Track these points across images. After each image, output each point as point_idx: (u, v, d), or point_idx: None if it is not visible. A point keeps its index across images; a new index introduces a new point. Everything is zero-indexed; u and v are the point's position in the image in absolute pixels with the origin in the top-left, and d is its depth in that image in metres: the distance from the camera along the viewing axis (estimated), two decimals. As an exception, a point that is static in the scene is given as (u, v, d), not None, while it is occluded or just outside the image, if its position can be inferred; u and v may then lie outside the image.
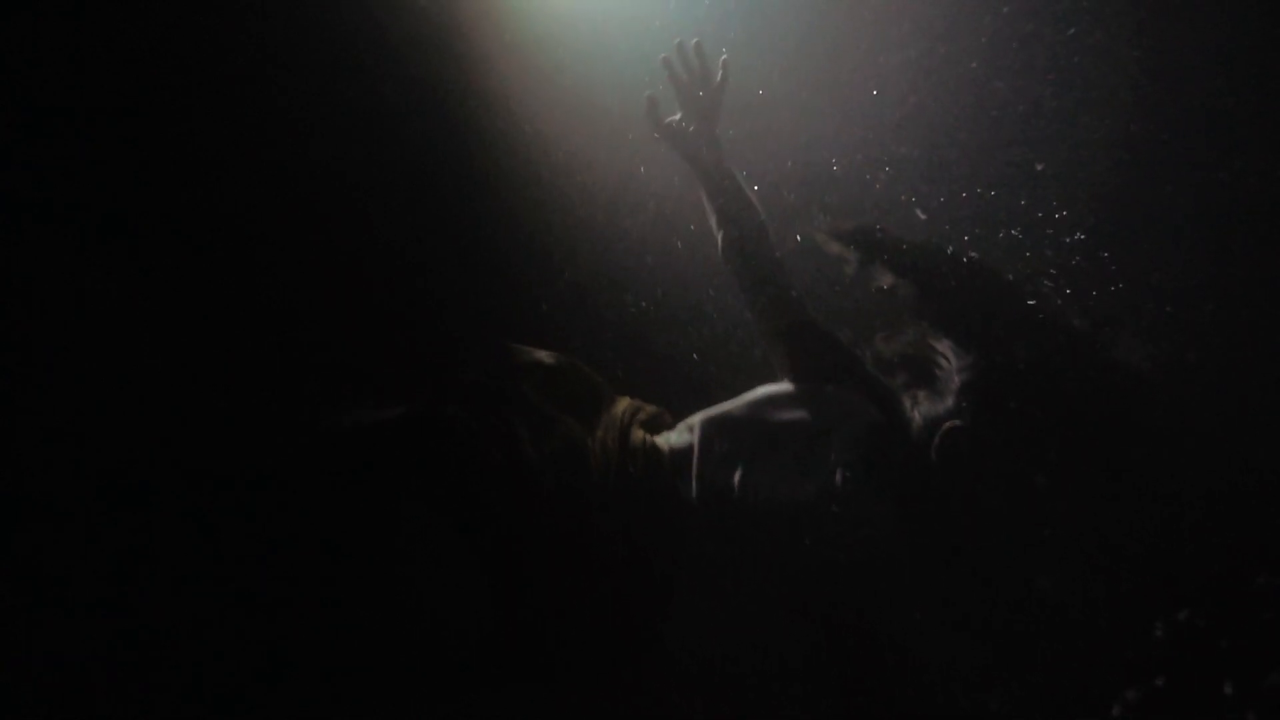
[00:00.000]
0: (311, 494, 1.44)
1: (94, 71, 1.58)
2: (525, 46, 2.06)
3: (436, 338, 1.73)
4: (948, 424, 1.43)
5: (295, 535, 1.41)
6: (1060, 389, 1.43)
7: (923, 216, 2.22)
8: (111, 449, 1.42)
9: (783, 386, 1.59)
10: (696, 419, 1.58)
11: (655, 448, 1.54)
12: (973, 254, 1.62)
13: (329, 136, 1.79)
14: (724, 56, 1.88)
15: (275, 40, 1.75)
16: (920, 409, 1.48)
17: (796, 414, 1.53)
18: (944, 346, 1.52)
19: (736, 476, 1.47)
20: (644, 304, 2.19)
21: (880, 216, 2.24)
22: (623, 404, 1.63)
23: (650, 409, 1.64)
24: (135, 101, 1.62)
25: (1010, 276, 1.67)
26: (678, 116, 1.90)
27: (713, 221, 1.82)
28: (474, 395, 1.54)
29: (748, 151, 2.18)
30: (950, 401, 1.46)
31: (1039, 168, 2.24)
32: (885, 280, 1.62)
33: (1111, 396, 1.44)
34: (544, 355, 1.65)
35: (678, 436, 1.58)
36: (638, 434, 1.56)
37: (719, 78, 1.87)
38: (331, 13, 1.80)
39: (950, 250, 1.62)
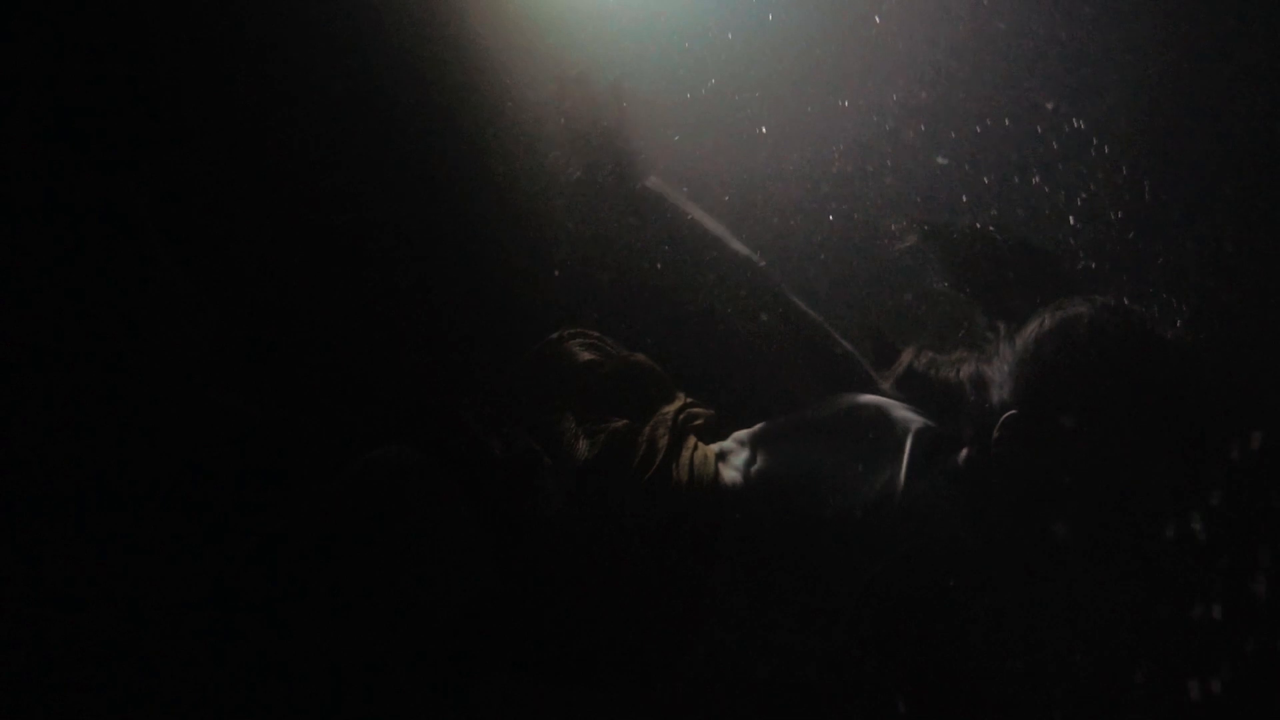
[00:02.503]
0: (314, 491, 1.39)
1: (92, 69, 1.48)
2: (528, 31, 1.93)
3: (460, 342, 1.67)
4: (1005, 415, 1.41)
5: (298, 531, 1.37)
6: (1115, 365, 1.41)
7: (942, 161, 2.17)
8: (113, 449, 1.37)
9: (828, 400, 1.57)
10: (746, 432, 1.56)
11: (705, 452, 1.51)
12: (1020, 234, 1.59)
13: (330, 132, 1.68)
14: (615, 79, 1.68)
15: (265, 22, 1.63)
16: (974, 402, 1.46)
17: (848, 423, 1.51)
18: (996, 332, 1.50)
19: (792, 485, 1.45)
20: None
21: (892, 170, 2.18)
22: (677, 404, 1.58)
23: (706, 413, 1.60)
24: (133, 100, 1.51)
25: (1055, 253, 1.64)
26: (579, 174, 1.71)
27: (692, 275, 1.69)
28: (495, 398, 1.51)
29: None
30: (1006, 391, 1.44)
31: (1049, 105, 2.20)
32: (940, 264, 1.59)
33: (1165, 368, 1.42)
34: (598, 355, 1.59)
35: (730, 444, 1.55)
36: (690, 439, 1.52)
37: (613, 110, 1.67)
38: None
39: (999, 232, 1.59)
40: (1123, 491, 1.38)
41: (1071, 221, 2.01)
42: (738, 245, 1.68)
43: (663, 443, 1.49)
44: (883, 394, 1.58)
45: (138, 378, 1.37)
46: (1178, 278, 1.88)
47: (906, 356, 1.61)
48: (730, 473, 1.48)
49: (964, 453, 1.46)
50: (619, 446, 1.47)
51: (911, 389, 1.56)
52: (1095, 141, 2.06)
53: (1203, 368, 1.42)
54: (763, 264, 1.68)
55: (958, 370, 1.53)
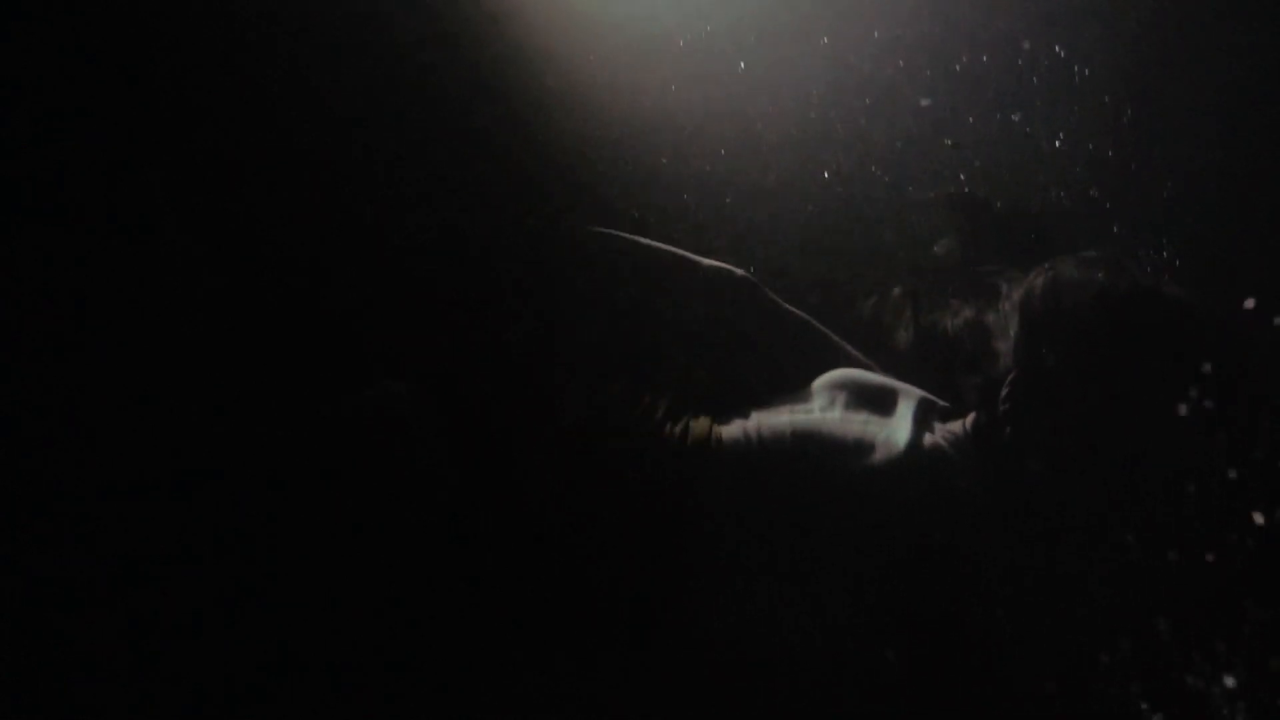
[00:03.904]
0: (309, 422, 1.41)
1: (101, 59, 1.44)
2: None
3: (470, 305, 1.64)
4: (1011, 376, 1.42)
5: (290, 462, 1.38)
6: (1103, 319, 1.40)
7: (925, 103, 2.13)
8: (115, 445, 1.35)
9: (826, 378, 1.55)
10: (752, 410, 1.52)
11: (702, 416, 1.48)
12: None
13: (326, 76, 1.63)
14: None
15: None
16: (981, 366, 1.46)
17: (848, 395, 1.49)
18: (997, 294, 1.49)
19: (790, 445, 1.41)
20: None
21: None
22: (677, 376, 1.56)
23: (705, 383, 1.58)
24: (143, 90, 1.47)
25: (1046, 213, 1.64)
26: None
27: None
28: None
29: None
30: (1008, 353, 1.44)
31: (1024, 46, 2.16)
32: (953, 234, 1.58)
33: (1153, 318, 1.41)
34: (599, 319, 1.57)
35: (733, 418, 1.51)
36: (687, 404, 1.50)
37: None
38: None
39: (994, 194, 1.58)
40: (1124, 445, 1.38)
41: (1057, 144, 2.00)
42: (708, 262, 1.65)
43: (661, 403, 1.47)
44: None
45: (150, 370, 1.36)
46: (1164, 217, 1.89)
47: (903, 320, 1.60)
48: (727, 434, 1.46)
49: (970, 416, 1.46)
50: (615, 402, 1.46)
51: (915, 359, 1.55)
52: (1077, 69, 2.04)
53: (1194, 315, 1.42)
54: (740, 273, 1.65)
55: (961, 333, 1.53)
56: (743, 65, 2.11)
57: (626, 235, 1.66)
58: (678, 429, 1.44)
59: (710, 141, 2.03)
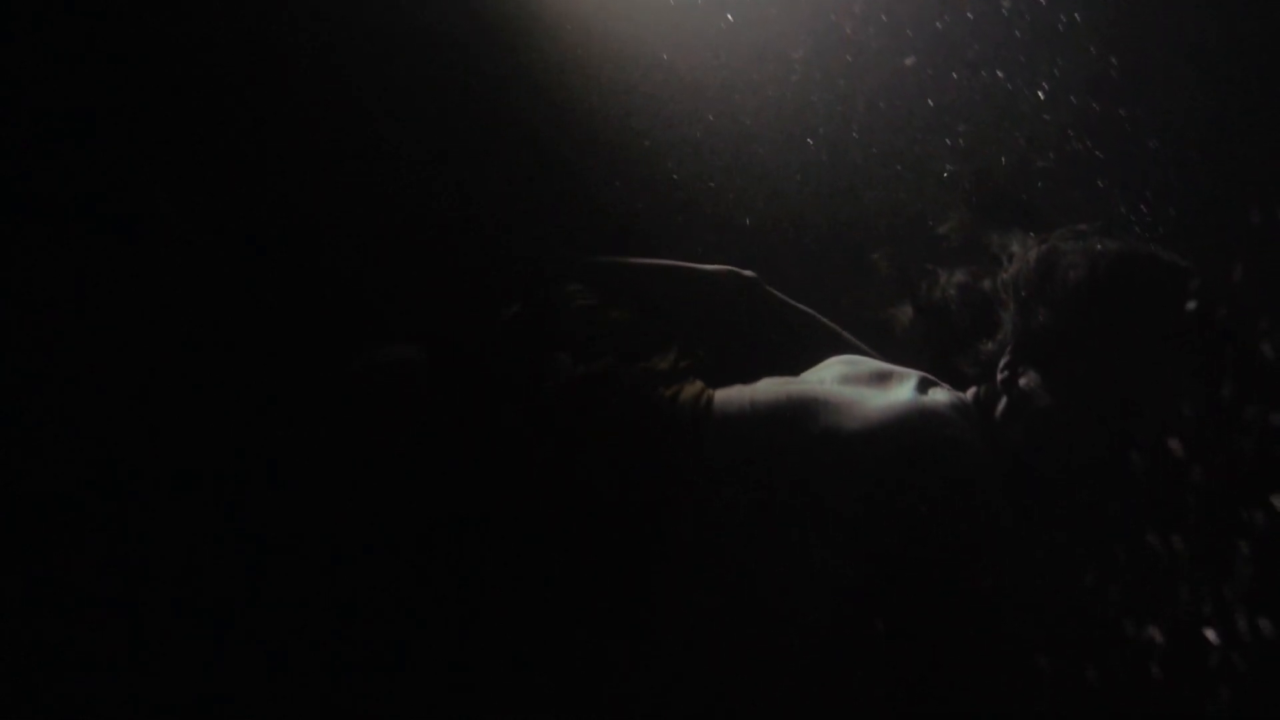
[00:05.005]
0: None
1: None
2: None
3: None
4: (1009, 348, 1.43)
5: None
6: (1110, 287, 1.40)
7: (909, 62, 2.11)
8: (116, 444, 1.35)
9: (826, 361, 1.56)
10: (753, 384, 1.52)
11: (700, 386, 1.47)
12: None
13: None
14: None
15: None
16: (983, 345, 1.47)
17: (848, 373, 1.50)
18: (999, 267, 1.49)
19: (788, 409, 1.41)
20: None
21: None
22: (673, 353, 1.55)
23: (700, 358, 1.57)
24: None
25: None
26: None
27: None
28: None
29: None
30: (1007, 328, 1.45)
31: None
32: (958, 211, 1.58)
33: (1160, 285, 1.40)
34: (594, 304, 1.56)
35: (731, 391, 1.50)
36: (689, 375, 1.49)
37: None
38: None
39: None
40: (1119, 408, 1.38)
41: (1041, 97, 1.98)
42: (710, 266, 1.67)
43: (660, 366, 1.47)
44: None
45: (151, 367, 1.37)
46: (1151, 170, 1.88)
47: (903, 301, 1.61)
48: (721, 397, 1.45)
49: (972, 390, 1.47)
50: (611, 369, 1.46)
51: (917, 342, 1.56)
52: (1062, 18, 2.02)
53: (1187, 280, 1.41)
54: (746, 273, 1.66)
55: (962, 310, 1.53)
56: (730, 18, 2.08)
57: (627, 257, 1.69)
58: (670, 392, 1.44)
59: (695, 107, 2.01)
